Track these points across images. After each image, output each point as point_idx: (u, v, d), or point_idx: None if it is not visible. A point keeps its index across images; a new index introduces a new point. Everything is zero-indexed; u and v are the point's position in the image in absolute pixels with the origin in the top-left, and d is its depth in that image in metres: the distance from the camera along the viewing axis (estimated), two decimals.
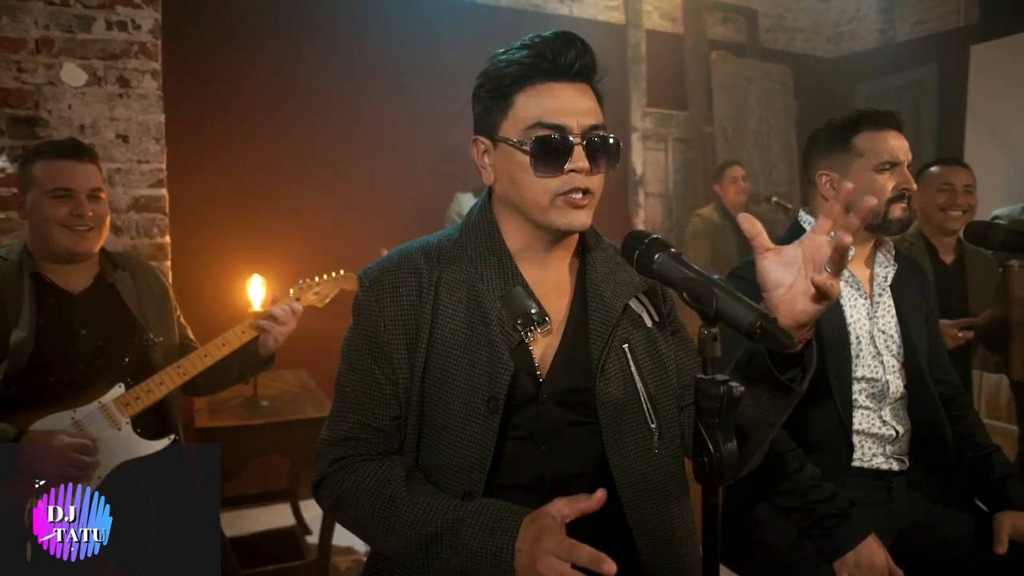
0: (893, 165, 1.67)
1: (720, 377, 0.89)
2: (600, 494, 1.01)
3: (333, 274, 2.32)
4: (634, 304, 1.24)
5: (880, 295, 1.76)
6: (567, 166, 1.11)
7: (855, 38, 5.68)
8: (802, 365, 1.06)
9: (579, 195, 1.12)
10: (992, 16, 4.68)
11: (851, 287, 1.75)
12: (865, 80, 5.54)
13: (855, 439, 1.70)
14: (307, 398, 2.99)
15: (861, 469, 1.70)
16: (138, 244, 2.36)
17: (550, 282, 1.22)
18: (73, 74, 2.22)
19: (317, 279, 2.28)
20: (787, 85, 5.39)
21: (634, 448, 1.17)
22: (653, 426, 1.18)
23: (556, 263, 1.23)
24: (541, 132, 1.11)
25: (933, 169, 2.58)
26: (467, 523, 1.05)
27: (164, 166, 2.38)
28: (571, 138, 1.11)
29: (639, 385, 1.19)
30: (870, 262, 1.78)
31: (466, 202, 4.03)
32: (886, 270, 1.77)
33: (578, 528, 1.03)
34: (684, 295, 0.93)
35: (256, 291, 2.78)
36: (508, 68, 1.14)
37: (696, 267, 0.97)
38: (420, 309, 1.16)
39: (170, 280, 2.16)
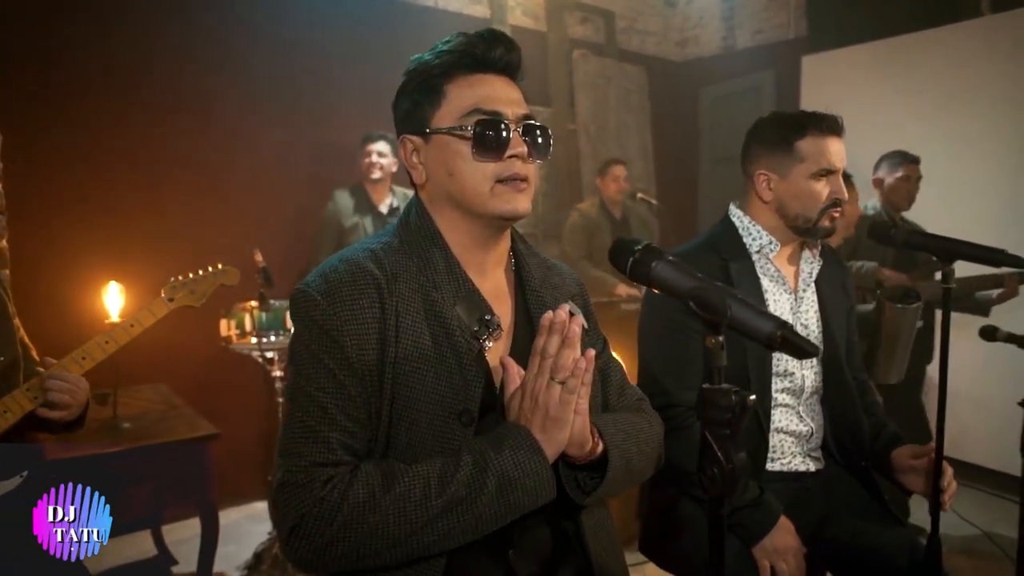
0: (830, 173, 1.71)
1: (729, 387, 0.88)
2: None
3: (210, 268, 2.10)
4: (572, 308, 1.25)
5: (804, 290, 1.82)
6: (507, 152, 1.12)
7: (700, 43, 6.04)
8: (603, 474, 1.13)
9: (520, 180, 1.13)
10: (818, 30, 5.16)
11: (776, 283, 1.79)
12: (710, 83, 5.91)
13: (776, 438, 1.76)
14: (175, 416, 2.71)
15: (781, 473, 1.76)
16: None
17: (487, 288, 1.20)
18: None
19: (192, 275, 2.05)
20: (642, 85, 5.64)
21: None
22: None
23: (492, 268, 1.22)
24: (480, 117, 1.12)
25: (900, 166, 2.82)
26: (480, 443, 1.06)
27: None
28: (509, 123, 1.12)
29: None
30: (795, 258, 1.83)
31: (342, 201, 3.85)
32: (811, 266, 1.82)
33: (536, 533, 1.14)
34: (691, 304, 0.92)
35: (114, 300, 2.47)
36: (437, 60, 1.14)
37: (699, 274, 0.95)
38: (384, 322, 1.08)
39: (9, 292, 1.85)
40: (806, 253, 1.84)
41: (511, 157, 1.11)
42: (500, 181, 1.11)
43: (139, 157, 3.47)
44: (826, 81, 4.99)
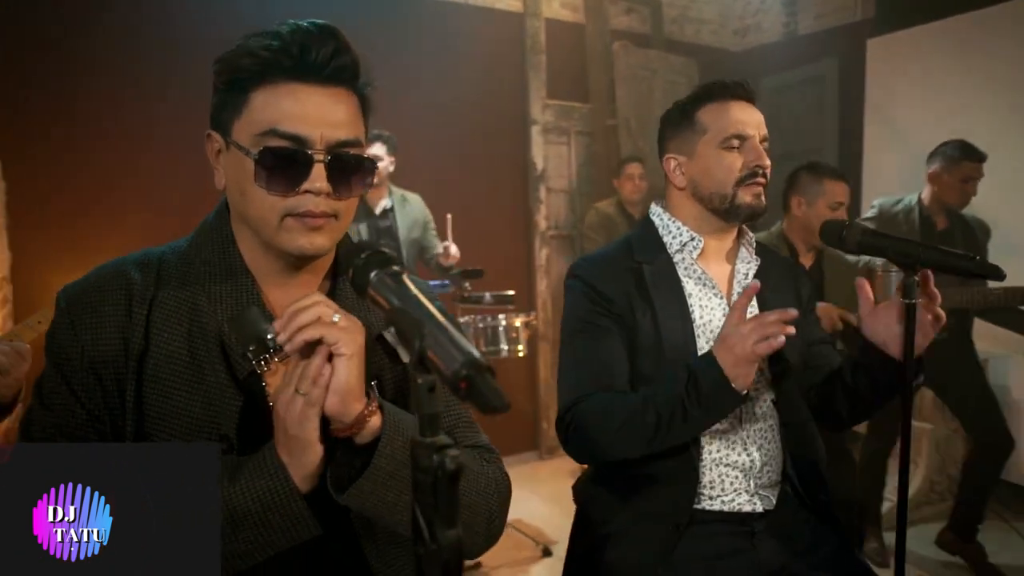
0: (741, 139, 1.49)
1: (440, 441, 0.67)
2: None
3: None
4: (390, 336, 1.06)
5: (741, 294, 1.57)
6: (303, 185, 0.93)
7: (760, 31, 5.62)
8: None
9: (315, 218, 0.94)
10: (886, 10, 4.66)
11: (703, 286, 1.54)
12: (769, 73, 5.48)
13: (715, 471, 1.50)
14: None
15: (720, 513, 1.50)
16: None
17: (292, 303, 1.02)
18: None
19: None
20: (692, 77, 5.28)
21: None
22: None
23: (301, 287, 1.04)
24: (274, 142, 0.92)
25: (825, 184, 2.48)
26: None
27: None
28: (310, 152, 0.93)
29: None
30: (732, 257, 1.59)
31: None
32: (748, 266, 1.57)
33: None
34: (387, 333, 0.73)
35: None
36: (246, 58, 0.94)
37: (415, 293, 0.75)
38: (130, 331, 0.96)
39: None
40: (743, 252, 1.58)
41: (308, 192, 0.93)
42: (292, 215, 0.94)
43: (138, 147, 3.49)
44: (893, 66, 4.50)
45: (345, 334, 0.85)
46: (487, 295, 3.41)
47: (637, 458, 1.46)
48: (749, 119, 1.50)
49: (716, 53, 5.58)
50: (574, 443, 1.47)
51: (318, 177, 0.93)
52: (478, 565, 3.27)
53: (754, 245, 1.61)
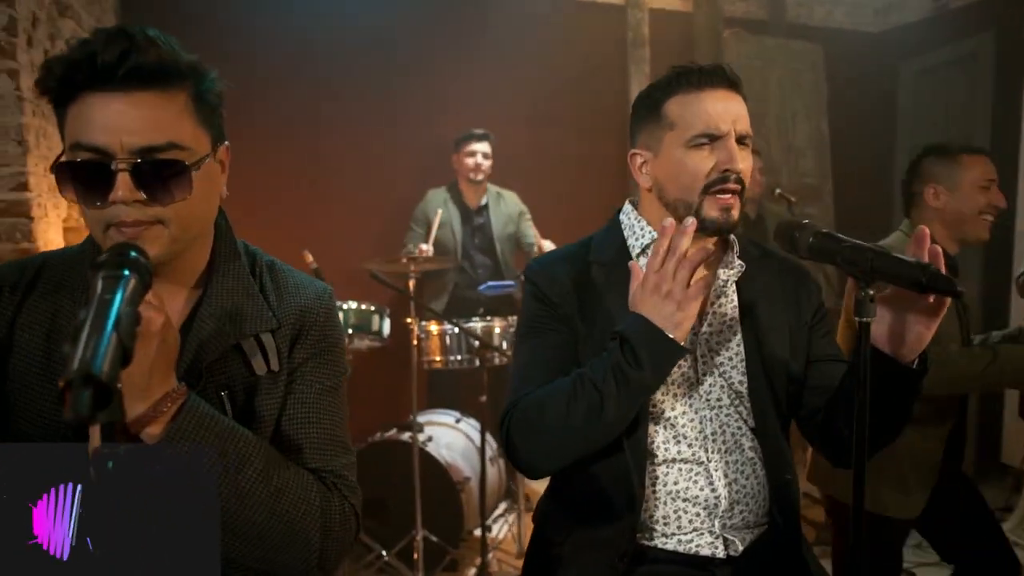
0: (713, 139, 1.26)
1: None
2: None
3: None
4: (248, 346, 1.04)
5: (717, 304, 1.36)
6: (110, 196, 0.90)
7: (905, 8, 5.01)
8: None
9: (130, 227, 0.92)
10: None
11: None
12: (912, 55, 4.88)
13: (669, 505, 1.31)
14: None
15: (674, 554, 1.31)
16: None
17: None
18: None
19: None
20: (817, 64, 4.83)
21: None
22: None
23: (172, 293, 1.03)
24: (80, 155, 0.91)
25: (964, 160, 2.02)
26: None
27: (26, 169, 2.30)
28: (111, 164, 0.90)
29: None
30: (712, 262, 1.36)
31: (433, 199, 3.86)
32: (729, 272, 1.36)
33: None
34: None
35: None
36: (46, 80, 0.92)
37: (111, 298, 0.74)
38: None
39: None
40: (726, 256, 1.37)
41: (118, 203, 0.91)
42: (112, 225, 0.93)
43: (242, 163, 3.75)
44: None
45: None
46: None
47: (585, 478, 1.33)
48: (724, 112, 1.27)
49: (849, 36, 5.05)
50: (516, 448, 1.30)
51: (122, 186, 0.90)
52: None
53: (737, 248, 1.40)
